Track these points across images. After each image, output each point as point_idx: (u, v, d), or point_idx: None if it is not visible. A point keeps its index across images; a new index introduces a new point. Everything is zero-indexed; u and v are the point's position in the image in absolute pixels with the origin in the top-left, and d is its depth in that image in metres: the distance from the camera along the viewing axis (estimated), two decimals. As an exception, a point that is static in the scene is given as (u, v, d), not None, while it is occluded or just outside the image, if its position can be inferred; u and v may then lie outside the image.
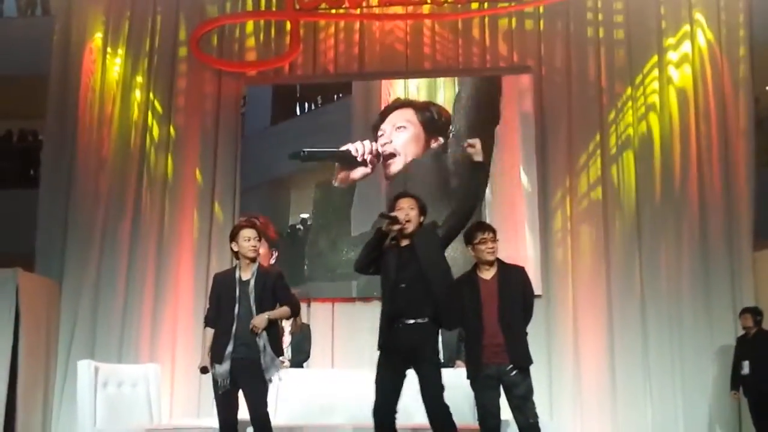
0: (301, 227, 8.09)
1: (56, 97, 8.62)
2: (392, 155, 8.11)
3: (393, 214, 4.30)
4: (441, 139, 8.13)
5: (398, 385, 4.25)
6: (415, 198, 4.42)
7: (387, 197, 7.99)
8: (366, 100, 8.34)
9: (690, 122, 7.96)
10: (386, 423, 4.22)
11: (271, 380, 4.53)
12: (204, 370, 4.59)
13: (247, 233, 4.64)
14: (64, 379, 7.81)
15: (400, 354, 4.22)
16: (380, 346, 4.33)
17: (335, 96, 8.37)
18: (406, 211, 4.31)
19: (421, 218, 4.36)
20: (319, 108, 8.39)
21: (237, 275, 4.62)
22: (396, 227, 4.27)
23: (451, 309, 4.32)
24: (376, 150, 8.15)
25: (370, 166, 8.19)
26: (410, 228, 4.30)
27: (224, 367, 4.50)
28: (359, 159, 8.15)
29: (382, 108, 8.27)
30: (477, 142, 4.39)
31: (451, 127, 8.11)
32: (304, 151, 8.23)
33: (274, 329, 4.61)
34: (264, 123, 8.43)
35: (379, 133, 8.20)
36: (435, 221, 4.47)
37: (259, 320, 4.48)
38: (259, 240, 4.68)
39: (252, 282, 4.58)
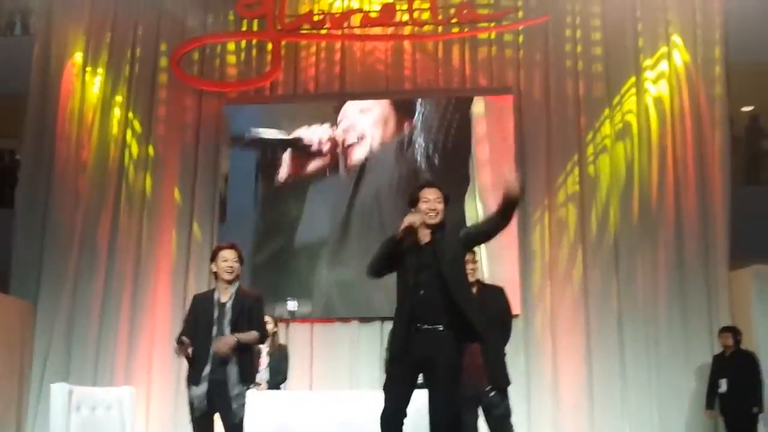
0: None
1: (34, 117, 8.57)
2: (358, 141, 7.92)
3: (407, 222, 3.85)
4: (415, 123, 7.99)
5: (409, 393, 3.85)
6: (440, 187, 3.98)
7: (349, 194, 7.85)
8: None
9: (667, 142, 8.03)
10: (393, 427, 3.82)
11: (239, 419, 4.41)
12: (179, 340, 4.50)
13: (225, 254, 4.61)
14: (37, 402, 7.70)
15: (412, 362, 3.82)
16: (392, 354, 3.94)
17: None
18: (433, 204, 3.89)
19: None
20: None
21: (216, 297, 4.60)
22: (411, 237, 3.87)
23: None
24: (334, 138, 7.91)
25: (328, 155, 7.95)
26: (437, 220, 3.89)
27: (201, 389, 4.46)
28: (314, 148, 7.90)
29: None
30: (513, 175, 3.85)
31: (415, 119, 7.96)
32: (247, 135, 7.98)
33: (247, 355, 4.58)
34: (250, 188, 8.14)
35: (339, 119, 8.02)
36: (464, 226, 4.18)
37: (227, 342, 4.39)
38: (239, 262, 4.64)
39: (229, 304, 4.55)
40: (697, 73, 8.14)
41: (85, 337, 7.91)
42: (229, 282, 4.59)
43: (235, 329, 4.49)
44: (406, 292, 3.88)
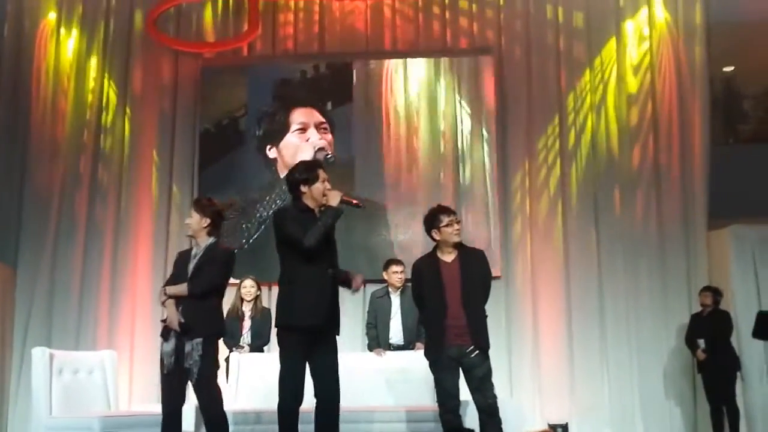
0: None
1: (8, 79, 8.39)
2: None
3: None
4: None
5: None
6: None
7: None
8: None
9: (647, 103, 8.04)
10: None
11: (195, 377, 4.35)
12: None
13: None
14: (20, 367, 7.66)
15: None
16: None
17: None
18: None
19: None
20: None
21: (193, 252, 4.60)
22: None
23: None
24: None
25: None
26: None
27: (169, 346, 4.39)
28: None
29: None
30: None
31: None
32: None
33: (192, 308, 4.41)
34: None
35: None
36: None
37: (162, 294, 4.49)
38: (200, 216, 4.54)
39: (196, 259, 4.52)
40: (677, 33, 8.13)
41: (67, 301, 7.86)
42: (191, 236, 4.63)
43: (196, 276, 4.44)
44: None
